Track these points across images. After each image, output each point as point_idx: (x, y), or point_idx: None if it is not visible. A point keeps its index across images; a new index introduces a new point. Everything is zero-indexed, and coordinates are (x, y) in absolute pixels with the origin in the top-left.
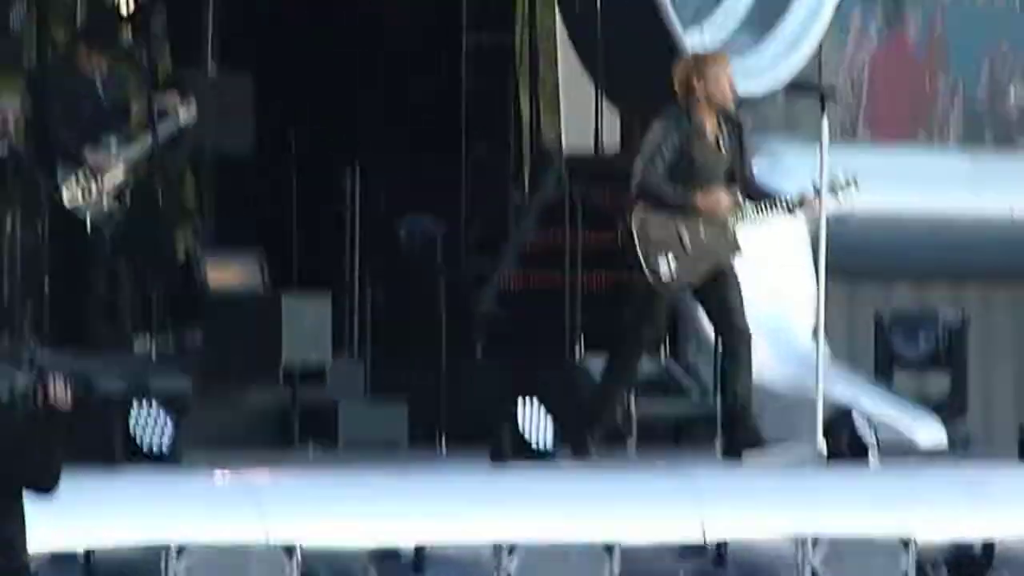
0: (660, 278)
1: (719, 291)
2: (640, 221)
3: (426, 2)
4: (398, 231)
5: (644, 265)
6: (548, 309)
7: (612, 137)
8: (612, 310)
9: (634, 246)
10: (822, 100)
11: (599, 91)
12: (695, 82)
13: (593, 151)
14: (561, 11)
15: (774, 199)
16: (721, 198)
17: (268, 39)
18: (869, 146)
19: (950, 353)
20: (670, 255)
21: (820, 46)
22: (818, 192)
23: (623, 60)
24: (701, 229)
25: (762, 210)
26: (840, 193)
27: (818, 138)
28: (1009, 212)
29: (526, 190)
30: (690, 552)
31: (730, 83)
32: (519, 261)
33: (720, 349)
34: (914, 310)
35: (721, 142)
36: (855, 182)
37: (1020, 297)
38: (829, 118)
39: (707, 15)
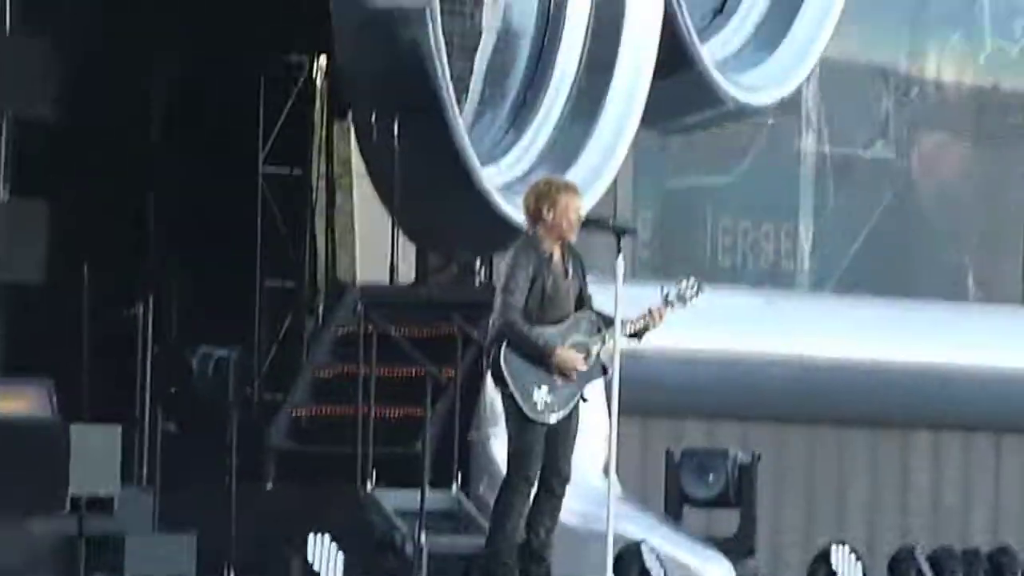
0: (535, 412)
1: (562, 427)
2: (507, 356)
3: (223, 133)
4: (190, 361)
5: (518, 398)
6: (340, 440)
7: (408, 269)
8: (404, 442)
9: (505, 381)
10: (618, 237)
11: (395, 224)
12: (545, 212)
13: (389, 282)
14: (359, 144)
15: (630, 321)
16: (576, 358)
17: (61, 166)
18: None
19: (739, 491)
20: (544, 387)
21: (615, 184)
22: (668, 302)
23: (419, 194)
24: None
25: (625, 332)
26: (689, 301)
27: (613, 273)
28: (802, 353)
29: (320, 321)
30: None
31: (577, 213)
32: (312, 392)
33: (534, 487)
34: (704, 448)
35: (568, 270)
36: (700, 286)
37: (811, 436)
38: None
39: (504, 152)
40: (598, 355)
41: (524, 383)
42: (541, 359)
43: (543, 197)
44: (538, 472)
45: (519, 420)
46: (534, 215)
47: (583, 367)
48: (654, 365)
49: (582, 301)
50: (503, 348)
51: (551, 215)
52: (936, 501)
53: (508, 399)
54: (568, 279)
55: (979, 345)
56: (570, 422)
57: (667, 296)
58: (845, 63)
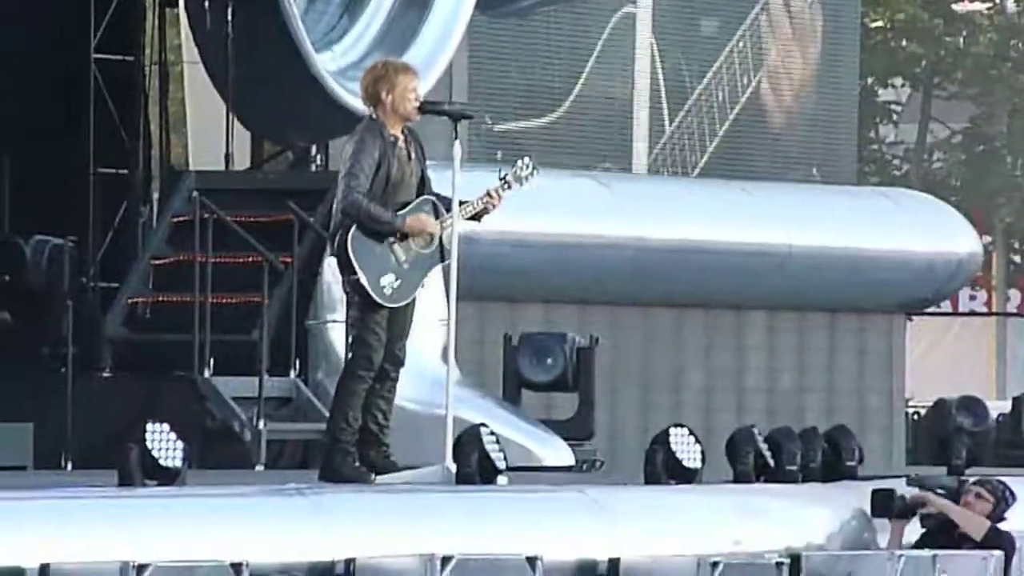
0: (383, 297)
1: (400, 312)
2: (353, 242)
3: (52, 20)
4: (23, 250)
5: (366, 283)
6: (177, 328)
7: (243, 156)
8: (242, 329)
9: (352, 267)
10: (455, 121)
11: (229, 111)
12: (384, 94)
13: (224, 169)
14: (191, 31)
15: (469, 203)
16: (425, 218)
17: None
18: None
19: (577, 375)
20: (391, 274)
21: (450, 68)
22: (505, 183)
23: (253, 81)
24: (411, 243)
25: (464, 214)
26: (525, 182)
27: (450, 157)
28: (638, 236)
29: (155, 208)
30: (319, 571)
31: (416, 95)
32: (148, 280)
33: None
34: (542, 332)
35: (411, 153)
36: (535, 167)
37: (648, 318)
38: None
39: (338, 39)
40: (440, 240)
41: (371, 269)
42: (391, 232)
43: (380, 79)
44: (380, 358)
45: (365, 306)
46: (373, 98)
47: (435, 228)
48: (490, 249)
49: (424, 185)
50: (349, 234)
51: (390, 97)
52: (772, 382)
53: (355, 285)
54: (411, 162)
55: (813, 225)
56: (408, 307)
57: (504, 177)
58: None
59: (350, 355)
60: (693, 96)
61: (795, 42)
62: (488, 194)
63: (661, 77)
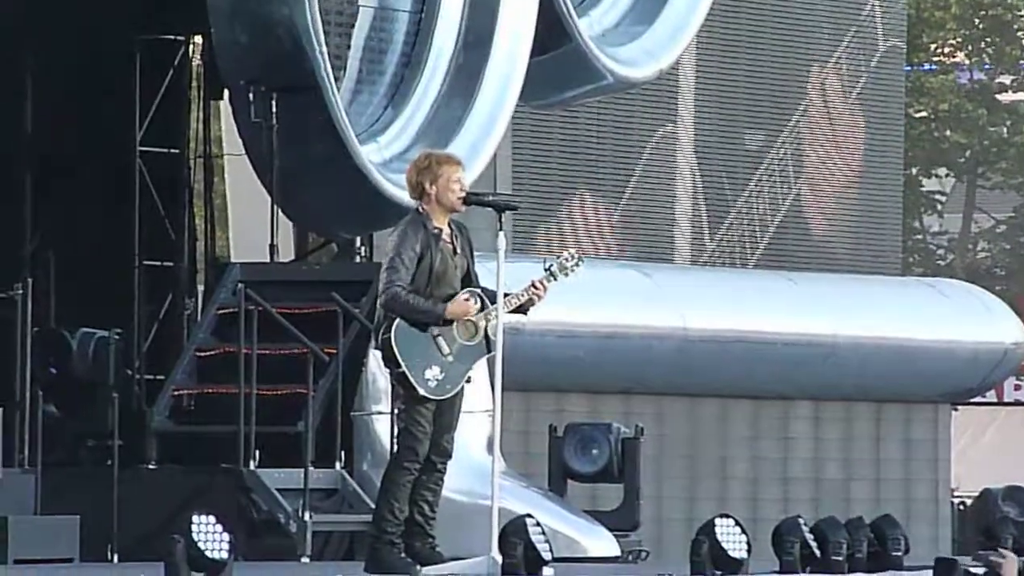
0: (428, 390)
1: (447, 404)
2: (397, 336)
3: (98, 114)
4: (70, 342)
5: (410, 376)
6: (222, 420)
7: (288, 248)
8: (287, 420)
9: (397, 360)
10: (499, 212)
11: (273, 202)
12: (428, 185)
13: (269, 261)
14: (236, 123)
15: (514, 294)
16: (467, 304)
17: None
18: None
19: (623, 465)
20: (435, 367)
21: (495, 159)
22: (551, 274)
23: (297, 173)
24: (455, 335)
25: (509, 306)
26: (571, 272)
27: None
28: (683, 326)
29: (200, 300)
30: None
31: (461, 185)
32: (193, 372)
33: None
34: (587, 422)
35: (456, 247)
36: (580, 259)
37: (693, 408)
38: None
39: (383, 130)
40: (485, 331)
41: (415, 362)
42: (434, 320)
43: (424, 171)
44: (426, 450)
45: (410, 399)
46: (417, 190)
47: (474, 311)
48: (536, 340)
49: (470, 278)
50: (393, 328)
51: (434, 188)
52: (818, 472)
53: (399, 377)
54: (456, 256)
55: (859, 315)
56: (455, 399)
57: (549, 268)
58: None
59: (396, 447)
60: (733, 212)
61: (836, 141)
62: (533, 286)
63: (702, 193)
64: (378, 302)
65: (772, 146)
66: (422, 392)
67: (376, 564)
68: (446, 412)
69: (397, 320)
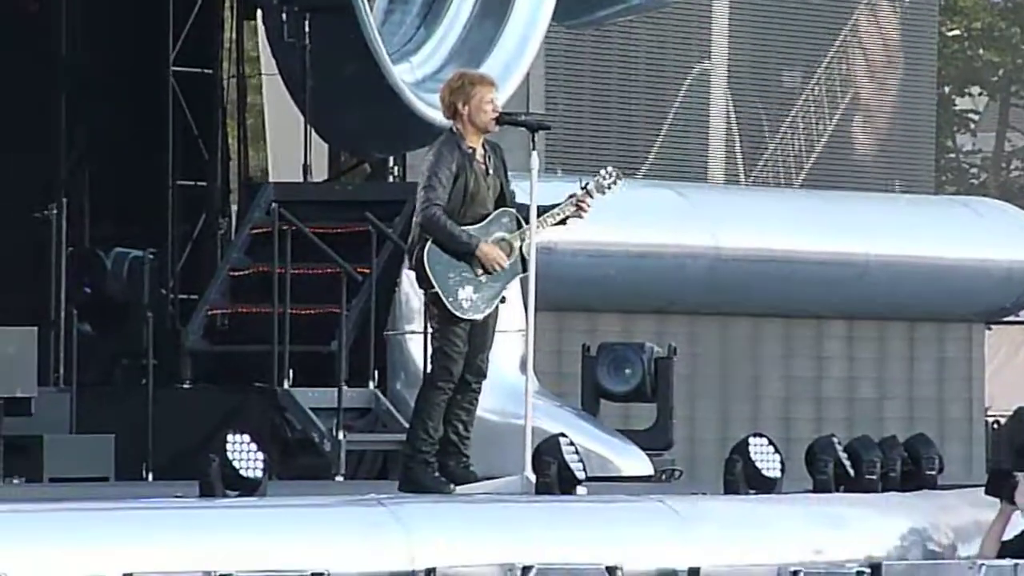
0: (461, 310)
1: (482, 324)
2: (430, 257)
3: (131, 34)
4: (104, 263)
5: (444, 298)
6: (256, 339)
7: (321, 167)
8: (321, 340)
9: (430, 281)
10: (532, 132)
11: (307, 123)
12: (460, 105)
13: (302, 181)
14: (269, 44)
15: (550, 212)
16: (501, 256)
17: None
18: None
19: (655, 385)
20: (469, 287)
21: (527, 79)
22: (587, 190)
23: (330, 93)
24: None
25: (550, 221)
26: (607, 190)
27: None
28: (716, 246)
29: (233, 220)
30: None
31: (494, 106)
32: (227, 292)
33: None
34: (620, 342)
35: (490, 167)
36: (618, 176)
37: (727, 331)
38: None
39: (415, 50)
40: (520, 251)
41: (448, 283)
42: (465, 254)
43: (457, 91)
44: (460, 369)
45: (444, 319)
46: (450, 110)
47: (506, 263)
48: (568, 259)
49: (504, 198)
50: (426, 248)
51: (466, 108)
52: (851, 392)
53: (433, 298)
54: (489, 176)
55: (892, 234)
56: (489, 319)
57: (586, 186)
58: None
59: (430, 367)
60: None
61: (870, 61)
62: (572, 200)
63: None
64: (414, 220)
65: (810, 74)
66: (456, 313)
67: (410, 483)
68: (481, 332)
69: (430, 241)
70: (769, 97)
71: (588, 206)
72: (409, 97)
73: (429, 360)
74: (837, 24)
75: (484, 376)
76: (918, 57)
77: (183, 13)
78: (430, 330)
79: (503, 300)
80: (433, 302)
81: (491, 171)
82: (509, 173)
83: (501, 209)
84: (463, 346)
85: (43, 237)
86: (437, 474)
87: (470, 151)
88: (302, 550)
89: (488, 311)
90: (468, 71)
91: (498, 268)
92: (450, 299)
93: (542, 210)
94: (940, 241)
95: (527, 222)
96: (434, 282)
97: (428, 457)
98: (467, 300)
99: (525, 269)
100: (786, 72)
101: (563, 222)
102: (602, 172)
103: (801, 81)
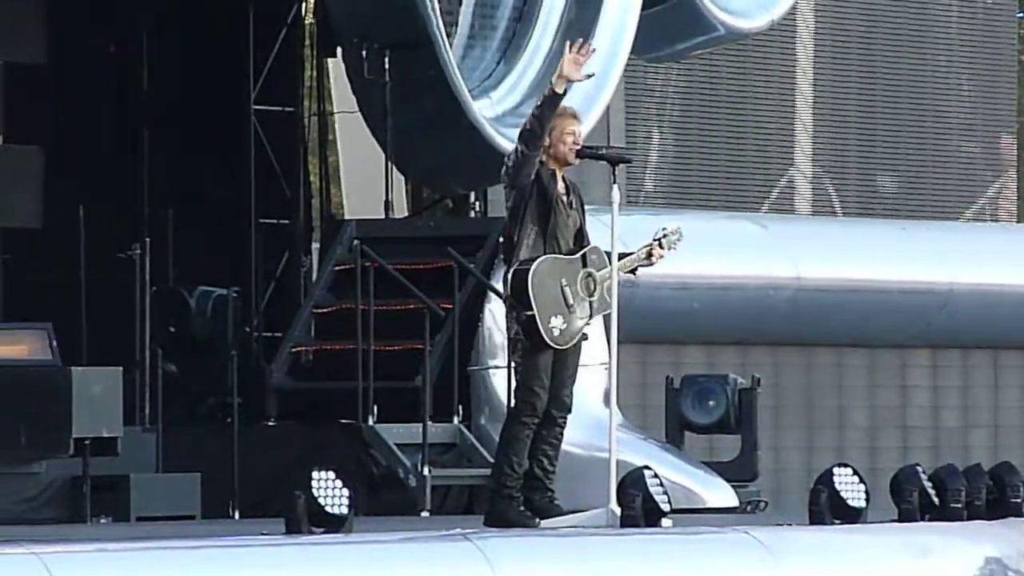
0: (552, 338)
1: (565, 358)
2: (533, 279)
3: (212, 73)
4: (188, 301)
5: (539, 323)
6: (341, 376)
7: (403, 203)
8: (405, 375)
9: (530, 303)
10: (613, 166)
11: (388, 160)
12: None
13: (384, 217)
14: (349, 81)
15: (631, 254)
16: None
17: (57, 112)
18: (654, 211)
19: (740, 416)
20: (559, 317)
21: (607, 112)
22: (660, 243)
23: (411, 129)
24: (578, 289)
25: (623, 268)
26: (673, 248)
27: (609, 202)
28: (797, 276)
29: (317, 257)
30: None
31: (575, 138)
32: (311, 329)
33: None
34: (704, 374)
35: (571, 202)
36: (682, 236)
37: (810, 358)
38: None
39: (495, 85)
40: (602, 288)
41: (543, 309)
42: (554, 102)
43: None
44: (544, 404)
45: (531, 349)
46: None
47: (583, 57)
48: (651, 292)
49: (582, 235)
50: (531, 272)
51: (548, 140)
52: (936, 420)
53: (528, 323)
54: (573, 210)
55: (975, 263)
56: (573, 352)
57: (660, 238)
58: None
59: (514, 401)
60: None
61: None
62: (650, 251)
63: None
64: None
65: (888, 96)
66: (546, 339)
67: (496, 517)
68: (564, 366)
69: (535, 265)
70: (852, 127)
71: (659, 257)
72: (490, 132)
73: (512, 395)
74: (919, 51)
75: (569, 411)
76: (998, 84)
77: (263, 51)
78: (513, 364)
79: (585, 337)
80: (524, 327)
81: (574, 205)
82: (589, 207)
83: (591, 246)
84: (546, 380)
85: (127, 277)
86: (522, 508)
87: (553, 183)
88: None
89: (572, 342)
90: None
91: (590, 276)
92: (543, 324)
93: (621, 255)
94: (1022, 269)
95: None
96: (533, 304)
97: (513, 492)
98: (557, 329)
99: (608, 306)
100: (868, 100)
101: (633, 271)
102: (669, 227)
103: (883, 109)
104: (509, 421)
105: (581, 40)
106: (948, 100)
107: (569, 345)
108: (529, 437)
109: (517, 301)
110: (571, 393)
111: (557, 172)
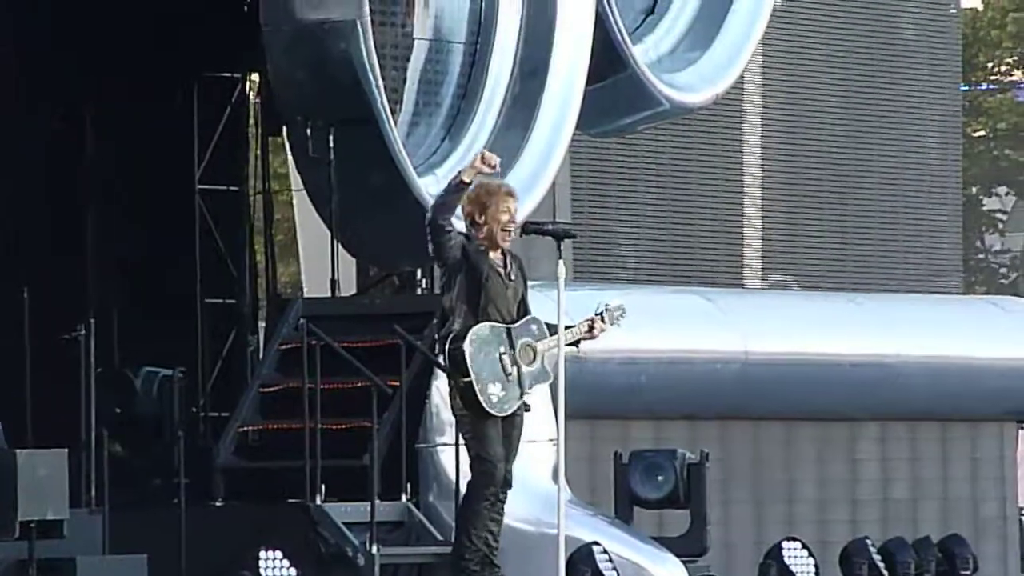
0: (490, 404)
1: (509, 433)
2: (471, 345)
3: (157, 153)
4: (133, 382)
5: (476, 390)
6: (288, 455)
7: (349, 281)
8: (352, 454)
9: (466, 369)
10: (559, 241)
11: (334, 237)
12: (477, 216)
13: (330, 295)
14: (294, 159)
15: (573, 327)
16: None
17: None
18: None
19: (689, 491)
20: (497, 384)
21: (553, 187)
22: (602, 317)
23: (356, 206)
24: (517, 358)
25: (567, 339)
26: (616, 324)
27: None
28: (746, 350)
29: (263, 336)
30: None
31: (511, 217)
32: (258, 408)
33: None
34: (652, 449)
35: (510, 274)
36: (624, 312)
37: (759, 435)
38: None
39: (440, 162)
40: (543, 358)
41: (481, 375)
42: (458, 188)
43: (474, 202)
44: (502, 474)
45: (476, 417)
46: (469, 219)
47: (495, 162)
48: (598, 368)
49: (524, 306)
50: (467, 337)
51: (483, 219)
52: (885, 493)
53: (465, 389)
54: (512, 281)
55: (923, 335)
56: (514, 429)
57: (600, 313)
58: None
59: (471, 474)
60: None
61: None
62: (591, 325)
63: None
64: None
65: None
66: (484, 406)
67: None
68: (508, 442)
69: (471, 332)
70: (799, 200)
71: (601, 331)
72: None
73: (468, 468)
74: (865, 125)
75: (510, 486)
76: (944, 157)
77: (208, 131)
78: (463, 441)
79: (527, 407)
80: (461, 393)
81: (513, 276)
82: (534, 283)
83: (531, 316)
84: (500, 449)
85: (72, 358)
86: None
87: (490, 257)
88: None
89: (511, 411)
90: (488, 182)
91: (529, 345)
92: (481, 390)
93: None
94: (970, 341)
95: (552, 333)
96: (470, 369)
97: (471, 565)
98: (495, 395)
99: (547, 378)
100: (816, 173)
101: (576, 344)
102: (612, 304)
103: (831, 182)
104: (469, 495)
105: (495, 157)
106: (896, 174)
107: (508, 413)
108: (488, 509)
109: (455, 369)
110: (511, 470)
111: (494, 248)
